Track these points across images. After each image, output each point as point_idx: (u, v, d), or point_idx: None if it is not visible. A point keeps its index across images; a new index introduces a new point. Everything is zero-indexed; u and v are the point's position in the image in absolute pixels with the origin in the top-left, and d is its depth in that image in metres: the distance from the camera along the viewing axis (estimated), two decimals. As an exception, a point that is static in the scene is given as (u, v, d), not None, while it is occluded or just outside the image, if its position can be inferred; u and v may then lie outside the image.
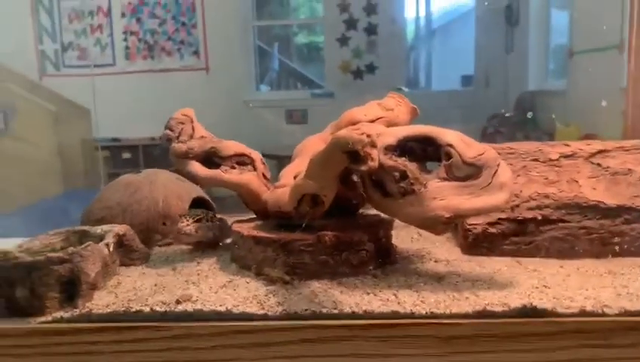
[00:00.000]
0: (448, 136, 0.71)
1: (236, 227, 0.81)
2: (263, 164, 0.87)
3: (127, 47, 5.62)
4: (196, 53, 5.58)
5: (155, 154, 5.40)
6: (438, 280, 0.72)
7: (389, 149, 0.70)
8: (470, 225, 0.82)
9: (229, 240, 0.91)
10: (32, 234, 0.87)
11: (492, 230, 0.82)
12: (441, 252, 0.84)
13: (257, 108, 5.50)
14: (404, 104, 0.88)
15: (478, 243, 0.82)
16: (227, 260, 0.83)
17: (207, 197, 1.03)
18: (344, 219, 0.80)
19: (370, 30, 5.56)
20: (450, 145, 0.70)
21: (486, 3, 5.50)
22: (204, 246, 0.89)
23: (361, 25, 5.54)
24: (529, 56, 5.27)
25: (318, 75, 6.17)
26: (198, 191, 1.02)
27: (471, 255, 0.82)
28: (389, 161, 0.69)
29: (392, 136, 0.71)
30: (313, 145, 0.87)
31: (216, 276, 0.76)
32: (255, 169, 0.86)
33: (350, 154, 0.65)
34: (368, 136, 0.65)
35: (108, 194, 0.95)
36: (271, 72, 6.33)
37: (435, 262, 0.80)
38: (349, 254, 0.74)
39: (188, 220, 0.84)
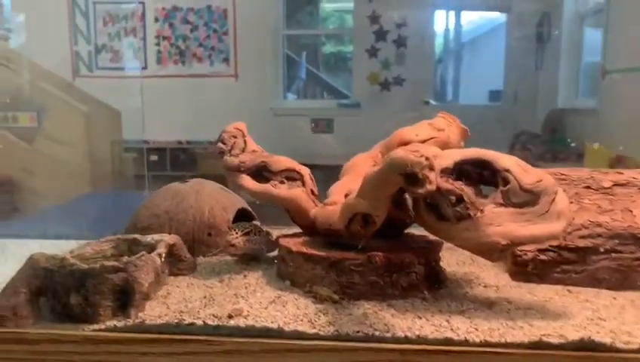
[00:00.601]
0: (505, 160, 0.70)
1: (283, 242, 0.81)
2: (312, 179, 0.88)
3: (158, 52, 5.71)
4: (226, 60, 5.65)
5: (181, 158, 5.47)
6: (490, 306, 0.71)
7: (445, 172, 0.70)
8: (520, 251, 0.81)
9: (272, 254, 0.92)
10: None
11: (543, 257, 0.80)
12: (490, 277, 0.83)
13: (284, 116, 5.53)
14: (454, 125, 0.88)
15: (527, 270, 0.81)
16: (273, 274, 0.83)
17: (249, 208, 1.04)
18: (392, 240, 0.79)
19: (400, 42, 5.55)
20: (508, 171, 0.69)
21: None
22: (249, 259, 0.89)
23: (391, 37, 5.53)
24: (559, 73, 5.21)
25: (344, 85, 6.19)
26: (241, 203, 1.03)
27: (520, 281, 0.81)
28: (446, 183, 0.68)
29: (448, 158, 0.71)
30: (362, 163, 0.87)
31: (264, 291, 0.76)
32: (304, 184, 0.86)
33: (407, 176, 0.65)
34: (427, 158, 0.65)
35: (156, 202, 0.97)
36: (298, 80, 6.37)
37: (485, 287, 0.79)
38: (399, 276, 0.73)
39: (237, 233, 0.84)
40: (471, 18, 6.86)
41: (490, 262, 0.89)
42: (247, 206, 1.03)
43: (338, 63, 6.95)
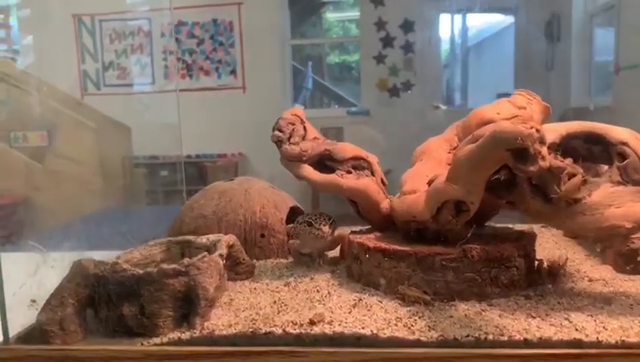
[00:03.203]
0: (620, 132, 0.61)
1: (356, 239, 0.72)
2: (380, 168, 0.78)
3: (165, 67, 5.67)
4: (233, 72, 5.60)
5: (191, 171, 5.40)
6: (607, 302, 0.61)
7: (551, 148, 0.60)
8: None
9: (330, 253, 0.83)
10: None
11: (653, 245, 0.71)
12: (590, 270, 0.73)
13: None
14: (535, 102, 0.79)
15: (634, 260, 0.71)
16: (342, 275, 0.74)
17: (301, 207, 0.95)
18: (480, 231, 0.70)
19: (407, 48, 5.48)
20: (625, 144, 0.60)
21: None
22: (310, 259, 0.80)
23: (398, 43, 5.47)
24: (571, 72, 5.13)
25: (350, 93, 6.14)
26: (292, 201, 0.94)
27: (625, 273, 0.71)
28: (557, 161, 0.59)
29: (553, 132, 0.61)
30: (437, 147, 0.78)
31: (339, 294, 0.66)
32: (373, 174, 0.77)
33: (515, 152, 0.56)
34: (537, 130, 0.56)
35: (201, 203, 0.88)
36: (305, 90, 6.32)
37: (590, 281, 0.69)
38: (498, 271, 0.63)
39: (326, 221, 0.74)
40: (475, 23, 6.81)
41: (582, 255, 0.80)
42: (297, 204, 0.94)
43: (343, 73, 6.92)
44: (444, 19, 6.03)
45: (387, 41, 5.44)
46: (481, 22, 6.86)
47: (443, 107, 5.47)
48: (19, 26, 5.00)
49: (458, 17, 6.26)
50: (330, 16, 6.85)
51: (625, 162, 0.59)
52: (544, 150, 0.56)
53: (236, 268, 0.73)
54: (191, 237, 0.73)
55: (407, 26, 5.44)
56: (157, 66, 5.64)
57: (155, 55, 5.64)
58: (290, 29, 5.75)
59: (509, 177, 0.61)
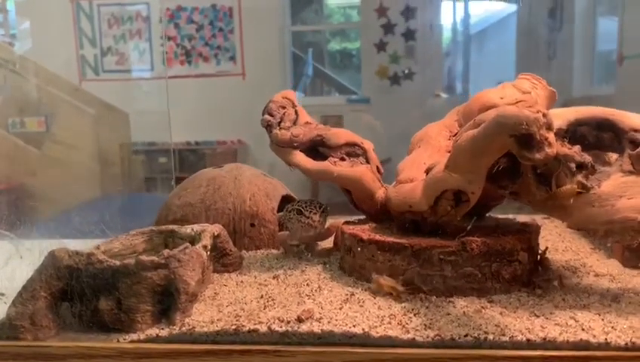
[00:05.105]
0: (633, 119, 0.57)
1: (349, 230, 0.68)
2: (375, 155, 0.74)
3: (164, 53, 5.60)
4: (233, 58, 5.53)
5: (190, 159, 5.36)
6: (615, 299, 0.58)
7: (558, 134, 0.56)
8: (636, 232, 0.67)
9: (323, 244, 0.79)
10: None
11: (664, 239, 0.67)
12: (596, 264, 0.69)
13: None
14: (540, 86, 0.74)
15: (644, 255, 0.67)
16: (335, 268, 0.70)
17: (294, 196, 0.91)
18: (479, 223, 0.66)
19: (409, 35, 5.41)
20: (637, 131, 0.56)
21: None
22: (299, 251, 0.76)
23: (399, 30, 5.39)
24: (574, 61, 5.06)
25: (350, 81, 6.07)
26: (284, 189, 0.90)
27: (634, 268, 0.67)
28: (563, 148, 0.55)
29: (560, 118, 0.57)
30: (436, 134, 0.74)
31: (331, 288, 0.63)
32: (368, 161, 0.72)
33: (520, 138, 0.52)
34: (544, 115, 0.51)
35: (189, 190, 0.84)
36: (305, 78, 6.25)
37: (597, 276, 0.65)
38: (500, 265, 0.60)
39: (316, 210, 0.70)
40: (478, 11, 6.73)
41: (587, 248, 0.76)
42: (290, 192, 0.90)
43: (344, 60, 6.84)
44: (446, 6, 5.94)
45: (388, 28, 5.36)
46: (483, 10, 6.77)
47: (444, 95, 5.41)
48: (16, 11, 4.93)
49: (460, 5, 6.17)
50: (331, 2, 6.76)
51: (638, 150, 0.55)
52: (551, 136, 0.52)
53: (223, 260, 0.70)
54: (175, 227, 0.69)
55: (409, 13, 5.35)
56: (155, 52, 5.58)
57: (153, 41, 5.57)
58: (290, 16, 5.67)
59: (513, 165, 0.57)
